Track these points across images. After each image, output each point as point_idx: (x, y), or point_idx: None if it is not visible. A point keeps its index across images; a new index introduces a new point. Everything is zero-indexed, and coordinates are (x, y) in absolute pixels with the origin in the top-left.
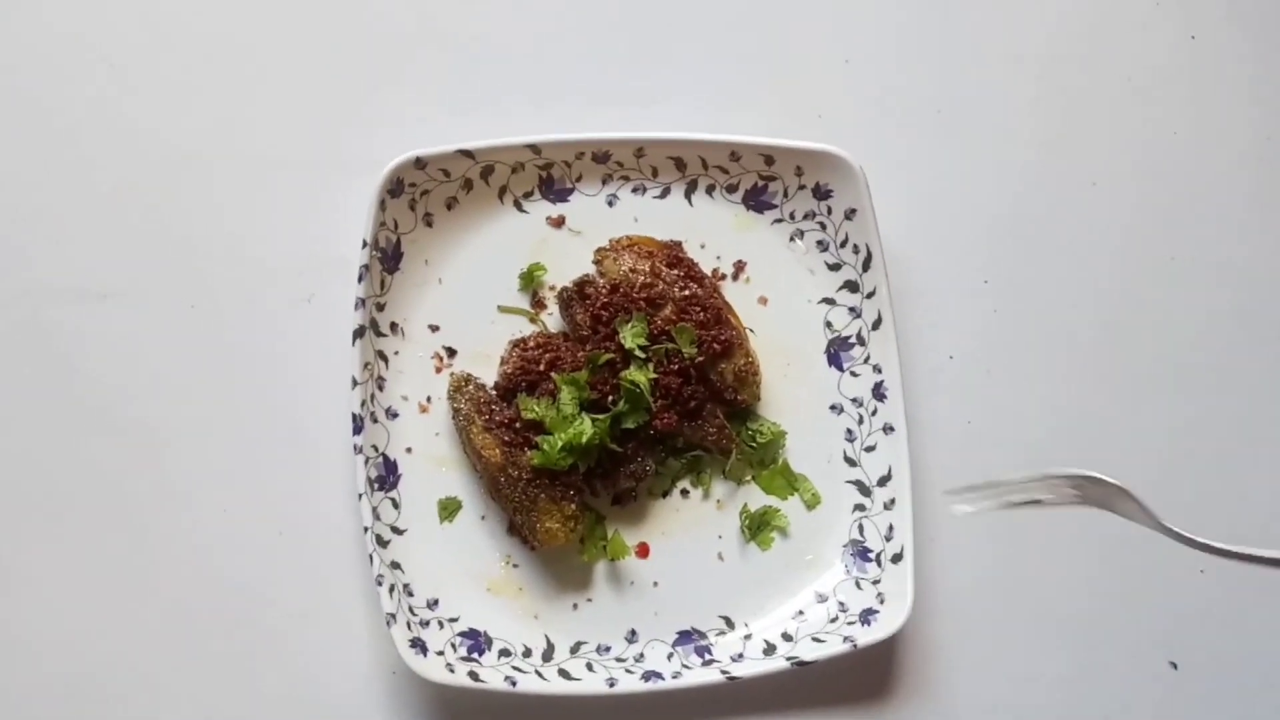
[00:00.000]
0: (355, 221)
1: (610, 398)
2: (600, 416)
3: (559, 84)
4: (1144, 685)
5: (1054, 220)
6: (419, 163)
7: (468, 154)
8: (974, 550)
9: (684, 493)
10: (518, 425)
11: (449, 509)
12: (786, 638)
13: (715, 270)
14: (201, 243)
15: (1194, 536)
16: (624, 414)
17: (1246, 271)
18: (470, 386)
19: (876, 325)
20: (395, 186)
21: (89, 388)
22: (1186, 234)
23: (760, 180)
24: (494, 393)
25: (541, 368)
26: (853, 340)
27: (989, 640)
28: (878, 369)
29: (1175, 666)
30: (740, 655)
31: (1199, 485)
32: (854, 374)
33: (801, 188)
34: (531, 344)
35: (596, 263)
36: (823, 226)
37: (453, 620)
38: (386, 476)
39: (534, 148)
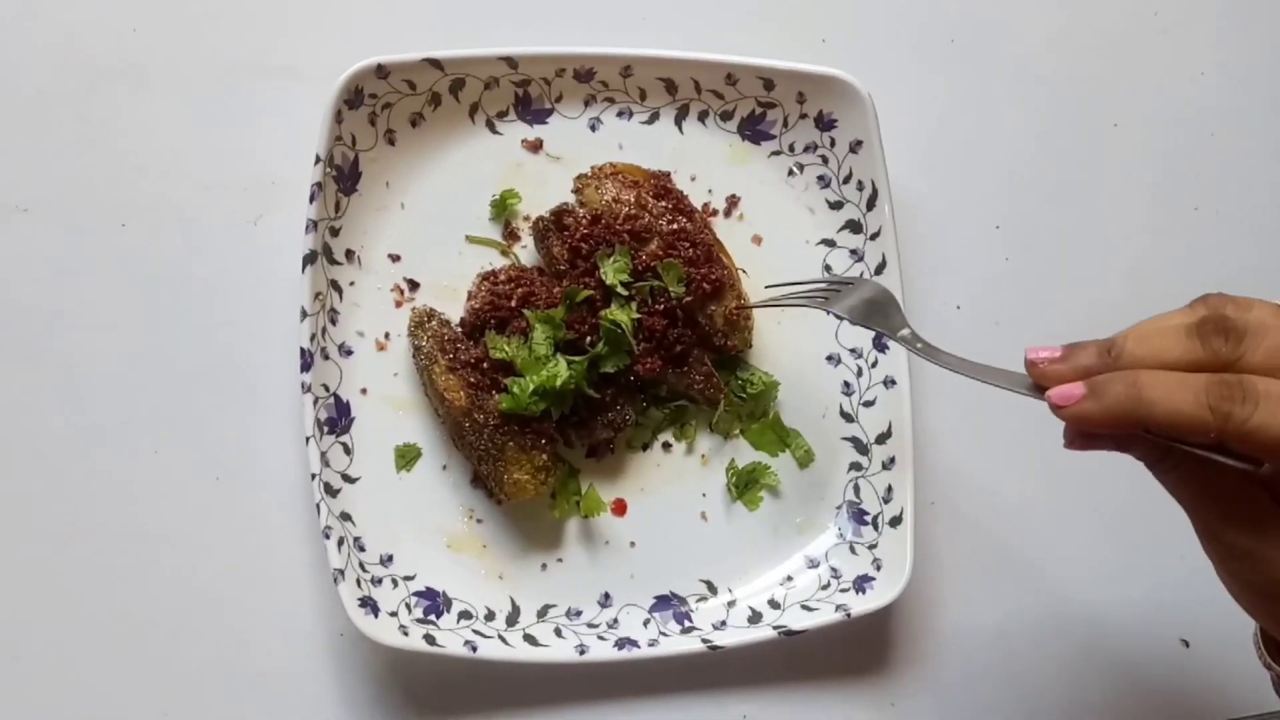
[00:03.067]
0: (308, 135)
1: (588, 338)
2: (577, 359)
3: None
4: (1154, 663)
5: (1073, 163)
6: (381, 71)
7: (436, 64)
8: (978, 516)
9: (666, 446)
10: (485, 366)
11: (407, 456)
12: (774, 605)
13: (706, 205)
14: (135, 154)
15: None
16: (603, 356)
17: (1274, 224)
18: (433, 323)
19: (880, 270)
20: (353, 97)
21: (2, 310)
22: (1212, 183)
23: (758, 107)
24: (460, 330)
25: (513, 303)
26: None
27: (992, 612)
28: None
29: (1187, 644)
30: (723, 623)
31: None
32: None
33: (803, 116)
34: (502, 277)
35: (576, 191)
36: (825, 160)
37: (408, 578)
38: (338, 419)
39: (510, 60)
